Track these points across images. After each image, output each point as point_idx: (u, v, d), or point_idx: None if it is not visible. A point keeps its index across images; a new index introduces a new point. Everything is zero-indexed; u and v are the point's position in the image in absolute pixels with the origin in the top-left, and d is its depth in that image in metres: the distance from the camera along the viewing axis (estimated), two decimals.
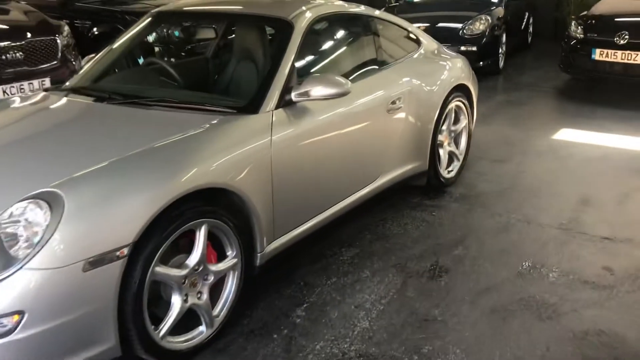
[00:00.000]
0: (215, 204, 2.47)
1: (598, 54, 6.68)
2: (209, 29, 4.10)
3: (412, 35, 4.27)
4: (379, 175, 3.64)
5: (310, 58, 3.46)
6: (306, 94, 2.93)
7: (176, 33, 5.32)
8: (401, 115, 3.68)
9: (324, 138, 3.09)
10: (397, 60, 3.93)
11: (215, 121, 2.69)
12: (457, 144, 4.46)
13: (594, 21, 7.01)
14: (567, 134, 5.51)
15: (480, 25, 7.70)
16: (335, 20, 3.70)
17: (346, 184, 3.39)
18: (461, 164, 4.47)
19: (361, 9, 3.88)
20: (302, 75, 3.16)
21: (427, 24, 7.93)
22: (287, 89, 2.94)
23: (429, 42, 4.40)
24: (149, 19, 3.70)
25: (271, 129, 2.77)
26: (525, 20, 9.63)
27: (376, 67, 3.74)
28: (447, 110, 4.12)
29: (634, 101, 6.53)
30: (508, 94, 7.13)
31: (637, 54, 6.40)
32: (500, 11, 8.20)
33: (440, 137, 4.15)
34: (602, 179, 4.42)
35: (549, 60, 9.00)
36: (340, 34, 3.80)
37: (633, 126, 5.67)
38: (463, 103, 4.35)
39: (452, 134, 4.36)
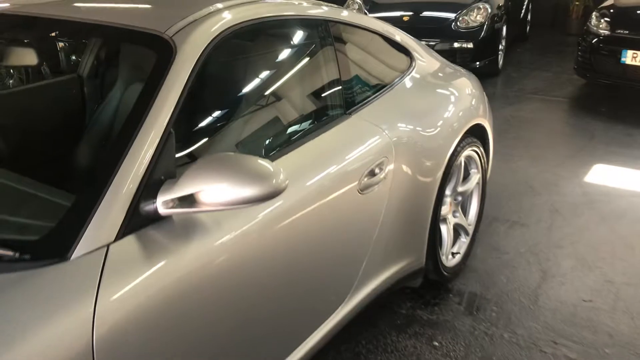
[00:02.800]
0: None
1: (630, 57, 5.22)
2: (28, 49, 2.35)
3: (399, 48, 2.72)
4: (346, 297, 2.12)
5: (207, 110, 1.86)
6: (189, 200, 1.40)
7: None
8: (383, 191, 2.15)
9: (229, 281, 1.56)
10: (377, 94, 2.38)
11: None
12: (464, 210, 2.96)
13: (624, 13, 5.53)
14: (603, 174, 4.03)
15: (477, 15, 6.17)
16: (263, 31, 2.08)
17: (289, 332, 1.88)
18: (470, 240, 2.97)
19: (313, 9, 2.30)
20: (188, 144, 1.63)
21: (410, 13, 6.38)
22: (150, 189, 1.40)
23: (425, 57, 2.85)
24: None
25: (95, 299, 1.23)
26: (524, 7, 8.13)
27: (339, 111, 2.18)
28: (453, 167, 2.61)
29: None
30: (514, 106, 5.63)
31: None
32: None
33: (443, 209, 2.65)
34: None
35: (554, 57, 7.54)
36: (273, 57, 2.18)
37: None
38: (477, 151, 2.83)
39: (459, 198, 2.86)
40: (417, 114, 2.43)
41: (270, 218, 1.66)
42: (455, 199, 2.83)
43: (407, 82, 2.57)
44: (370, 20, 2.63)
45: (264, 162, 1.45)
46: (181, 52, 1.61)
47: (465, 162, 2.82)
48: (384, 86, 2.45)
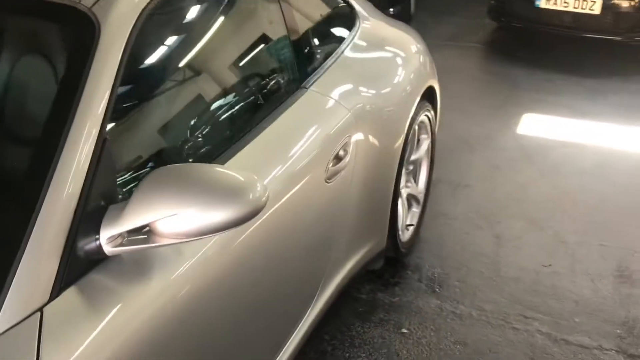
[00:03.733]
0: None
1: (544, 0, 5.18)
2: None
3: (342, 3, 2.41)
4: (315, 294, 1.87)
5: (143, 104, 1.45)
6: (143, 233, 1.08)
7: None
8: (348, 174, 1.88)
9: (196, 313, 1.27)
10: (328, 61, 2.06)
11: None
12: (415, 177, 2.77)
13: None
14: (533, 124, 3.98)
15: None
16: None
17: (266, 344, 1.62)
18: (422, 209, 2.79)
19: None
20: (126, 150, 1.28)
21: None
22: (88, 222, 1.06)
23: (366, 10, 2.56)
24: None
25: None
26: None
27: (294, 84, 1.85)
28: (410, 135, 2.38)
29: (590, 62, 5.14)
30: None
31: (595, 2, 4.97)
32: None
33: (401, 182, 2.43)
34: (629, 221, 2.94)
35: (471, 2, 7.43)
36: (213, 25, 1.72)
37: (610, 104, 4.27)
38: (428, 116, 2.62)
39: (411, 167, 2.65)
40: (372, 80, 2.16)
41: (232, 231, 1.35)
42: (407, 169, 2.63)
43: (356, 44, 2.27)
44: None
45: (234, 174, 1.14)
46: (106, 28, 1.22)
47: (417, 129, 2.61)
48: (333, 50, 2.14)
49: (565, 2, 5.09)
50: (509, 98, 4.43)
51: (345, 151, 1.84)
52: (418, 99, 2.35)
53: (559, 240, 2.77)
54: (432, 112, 2.65)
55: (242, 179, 1.14)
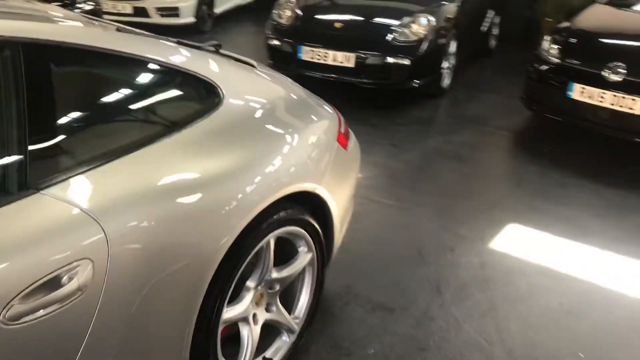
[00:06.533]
0: None
1: (578, 91, 4.49)
2: None
3: (189, 82, 1.96)
4: None
5: None
6: None
7: None
8: (76, 313, 1.41)
9: None
10: (111, 158, 1.60)
11: None
12: (287, 300, 2.24)
13: (575, 39, 4.81)
14: (513, 239, 3.31)
15: (418, 28, 5.42)
16: None
17: None
18: (296, 340, 2.24)
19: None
20: None
21: (346, 18, 5.66)
22: None
23: (247, 91, 2.11)
24: None
25: None
26: (488, 20, 7.37)
27: (14, 186, 1.43)
28: (249, 251, 1.88)
29: (620, 170, 4.37)
30: (444, 136, 4.89)
31: (635, 100, 4.23)
32: (450, 9, 5.90)
33: (230, 311, 1.92)
34: None
35: (514, 77, 6.75)
36: None
37: (627, 228, 3.49)
38: (305, 227, 2.10)
39: (277, 286, 2.13)
40: (180, 183, 1.68)
41: None
42: (270, 288, 2.11)
43: (188, 133, 1.81)
44: (130, 40, 1.85)
45: None
46: None
47: (288, 239, 2.10)
48: (130, 144, 1.66)
49: (601, 97, 4.38)
50: (502, 200, 3.77)
51: (71, 279, 1.38)
52: (257, 209, 1.84)
53: None
54: (315, 223, 2.13)
55: None
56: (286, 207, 1.99)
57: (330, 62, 5.32)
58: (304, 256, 2.18)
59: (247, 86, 2.17)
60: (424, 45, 5.38)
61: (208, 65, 2.03)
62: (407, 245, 3.16)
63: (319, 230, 2.19)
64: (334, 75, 5.36)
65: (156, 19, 7.49)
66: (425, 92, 5.75)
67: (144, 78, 1.86)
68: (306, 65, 5.44)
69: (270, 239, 1.96)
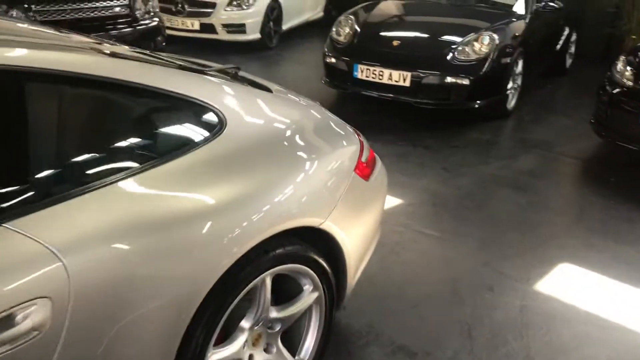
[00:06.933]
0: None
1: None
2: None
3: (191, 110, 1.88)
4: None
5: None
6: None
7: None
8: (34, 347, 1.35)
9: None
10: (88, 187, 1.53)
11: None
12: (292, 341, 2.10)
13: None
14: (563, 280, 3.01)
15: (481, 46, 5.16)
16: None
17: None
18: None
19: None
20: None
21: (405, 35, 5.49)
22: None
23: (254, 117, 2.01)
24: None
25: None
26: (563, 37, 6.96)
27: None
28: (240, 295, 1.76)
29: None
30: (502, 161, 4.60)
31: None
32: (518, 26, 5.61)
33: (220, 353, 1.80)
34: None
35: (588, 99, 6.34)
36: None
37: None
38: (310, 265, 1.97)
39: (278, 326, 2.00)
40: (158, 216, 1.58)
41: None
42: (270, 328, 1.98)
43: (179, 163, 1.72)
44: (122, 66, 1.77)
45: None
46: None
47: (292, 276, 1.97)
48: (110, 173, 1.59)
49: None
50: (557, 235, 3.47)
51: (26, 318, 1.32)
52: (245, 247, 1.72)
53: None
54: (322, 262, 1.99)
55: None
56: (284, 243, 1.86)
57: (385, 81, 5.15)
58: (309, 295, 2.03)
59: (257, 111, 2.07)
60: (486, 65, 5.13)
61: (211, 91, 1.94)
62: (442, 281, 2.94)
63: (327, 268, 2.04)
64: (390, 95, 5.18)
65: (223, 35, 7.59)
66: (489, 114, 5.47)
67: (132, 105, 1.80)
68: (362, 84, 5.29)
69: (266, 277, 1.84)
